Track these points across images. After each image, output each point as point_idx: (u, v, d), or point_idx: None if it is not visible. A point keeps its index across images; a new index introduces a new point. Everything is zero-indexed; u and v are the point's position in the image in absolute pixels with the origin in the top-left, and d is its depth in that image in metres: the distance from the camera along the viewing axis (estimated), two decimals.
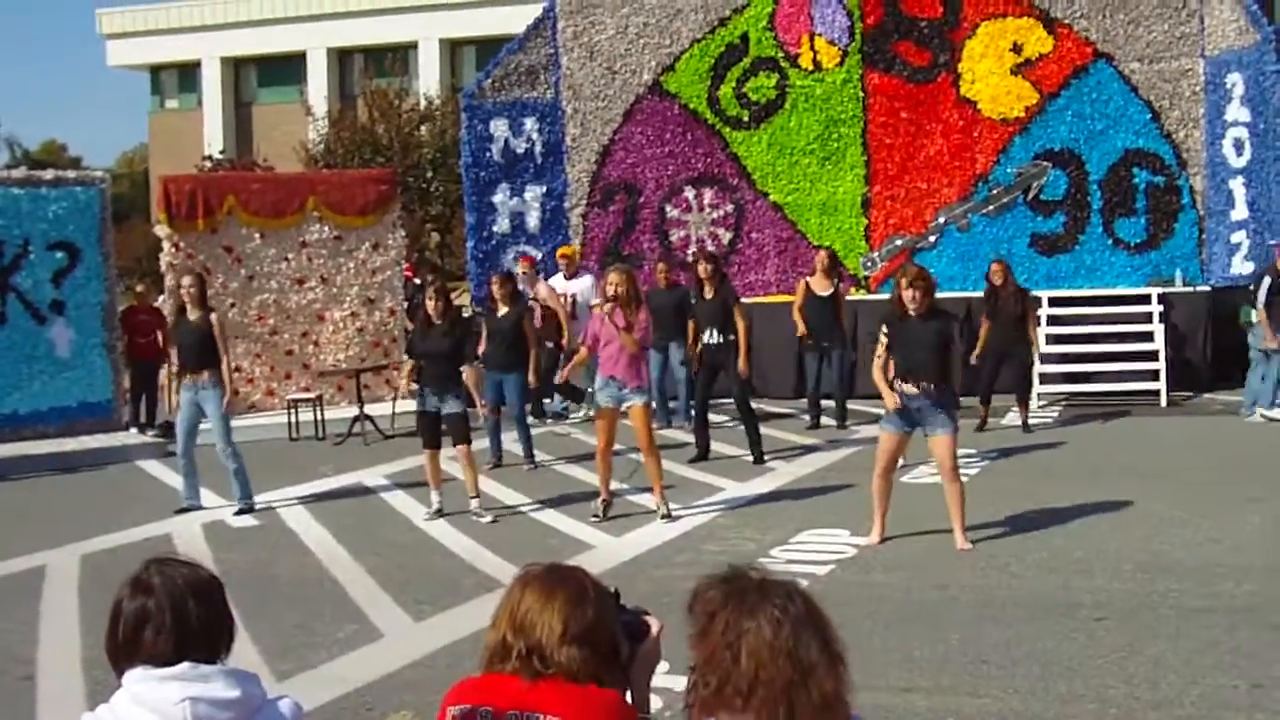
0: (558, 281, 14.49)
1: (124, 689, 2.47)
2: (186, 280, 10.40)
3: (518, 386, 11.79)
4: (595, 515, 9.38)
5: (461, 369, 9.86)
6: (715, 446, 11.94)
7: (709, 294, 11.63)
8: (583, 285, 14.49)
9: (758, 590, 2.39)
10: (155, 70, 45.99)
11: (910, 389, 8.01)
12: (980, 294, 13.36)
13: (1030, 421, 12.78)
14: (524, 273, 14.25)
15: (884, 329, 8.20)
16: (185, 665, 2.46)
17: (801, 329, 13.18)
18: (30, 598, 7.92)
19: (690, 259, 16.28)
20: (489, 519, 9.49)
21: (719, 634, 2.35)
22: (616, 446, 9.55)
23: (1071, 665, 5.85)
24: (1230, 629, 6.27)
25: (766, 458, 11.42)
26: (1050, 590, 7.11)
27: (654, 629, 2.70)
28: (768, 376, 14.95)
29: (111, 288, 14.68)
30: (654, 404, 10.81)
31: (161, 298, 15.32)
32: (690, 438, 12.08)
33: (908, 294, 8.03)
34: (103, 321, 14.38)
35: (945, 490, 8.17)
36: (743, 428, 11.60)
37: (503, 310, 11.83)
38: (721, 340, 11.48)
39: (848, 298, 14.00)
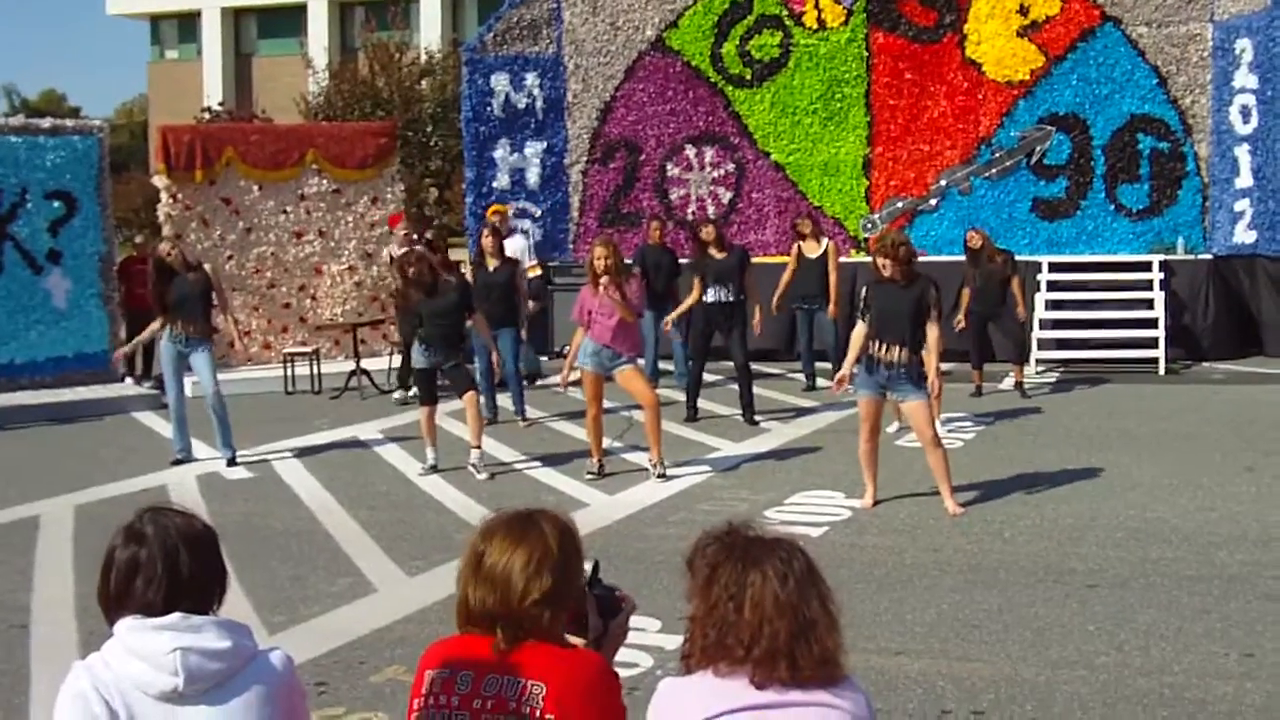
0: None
1: (115, 638, 2.47)
2: (164, 247, 10.51)
3: (512, 342, 11.76)
4: (590, 473, 9.39)
5: (468, 323, 9.86)
6: (710, 406, 11.96)
7: (719, 253, 11.55)
8: (515, 245, 13.48)
9: (762, 545, 2.40)
10: (155, 20, 45.64)
11: (882, 355, 7.97)
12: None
13: (1026, 386, 12.77)
14: (401, 231, 13.60)
15: (864, 291, 8.19)
16: (177, 615, 2.45)
17: (779, 292, 12.98)
18: (25, 547, 7.94)
19: (690, 218, 16.27)
20: (485, 476, 9.49)
21: (722, 586, 2.36)
22: (613, 404, 9.54)
23: (1063, 631, 5.88)
24: (1222, 598, 6.29)
25: (761, 419, 11.41)
26: (1043, 556, 7.13)
27: (627, 606, 2.66)
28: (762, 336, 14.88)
29: (109, 238, 14.61)
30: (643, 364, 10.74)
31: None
32: (681, 396, 12.08)
33: (879, 261, 8.00)
34: (100, 272, 14.32)
35: (928, 457, 8.20)
36: (736, 387, 11.58)
37: (494, 264, 11.76)
38: (730, 299, 11.43)
39: (843, 259, 13.88)
